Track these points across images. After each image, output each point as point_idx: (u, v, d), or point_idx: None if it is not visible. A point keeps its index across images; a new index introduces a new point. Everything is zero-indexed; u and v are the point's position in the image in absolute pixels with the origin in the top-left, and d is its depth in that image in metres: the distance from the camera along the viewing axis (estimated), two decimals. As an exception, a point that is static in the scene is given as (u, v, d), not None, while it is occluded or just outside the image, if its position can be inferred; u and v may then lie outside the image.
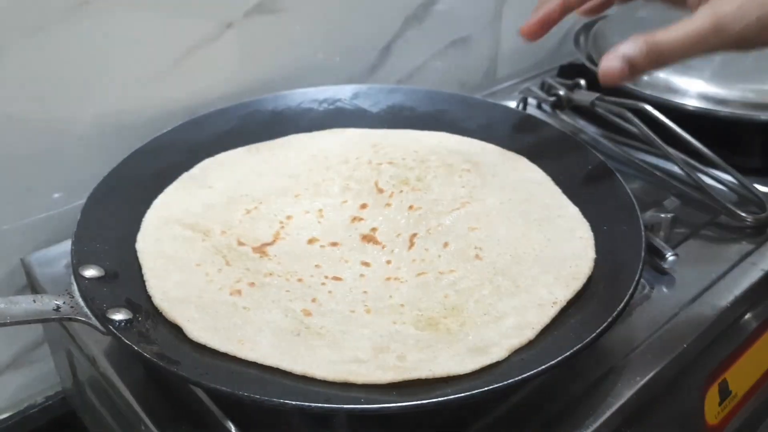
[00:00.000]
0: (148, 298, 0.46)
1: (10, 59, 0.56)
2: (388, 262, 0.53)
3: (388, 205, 0.58)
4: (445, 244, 0.53)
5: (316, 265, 0.52)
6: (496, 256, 0.51)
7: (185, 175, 0.59)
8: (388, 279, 0.51)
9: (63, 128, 0.61)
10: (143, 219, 0.53)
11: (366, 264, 0.52)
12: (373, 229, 0.56)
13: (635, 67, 0.46)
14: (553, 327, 0.45)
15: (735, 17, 0.43)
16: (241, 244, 0.53)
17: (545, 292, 0.47)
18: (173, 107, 0.67)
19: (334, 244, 0.54)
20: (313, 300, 0.48)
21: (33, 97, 0.58)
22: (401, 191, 0.58)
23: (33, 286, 0.60)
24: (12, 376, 0.66)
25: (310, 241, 0.54)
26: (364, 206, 0.58)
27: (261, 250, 0.52)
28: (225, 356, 0.42)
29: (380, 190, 0.59)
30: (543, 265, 0.50)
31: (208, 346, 0.42)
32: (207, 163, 0.61)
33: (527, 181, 0.60)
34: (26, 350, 0.66)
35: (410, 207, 0.57)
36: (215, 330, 0.43)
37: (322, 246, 0.54)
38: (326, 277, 0.50)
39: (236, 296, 0.47)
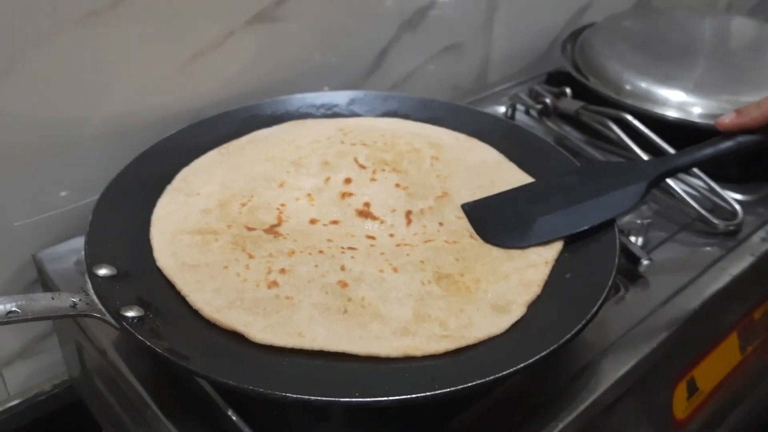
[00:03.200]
0: (159, 296, 0.49)
1: (23, 65, 0.58)
2: (391, 235, 0.57)
3: (374, 180, 0.61)
4: (440, 224, 0.58)
5: (328, 239, 0.55)
6: None
7: (169, 188, 0.60)
8: (398, 245, 0.55)
9: (72, 130, 0.64)
10: (150, 236, 0.54)
11: (371, 237, 0.56)
12: (366, 204, 0.59)
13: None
14: (532, 326, 0.48)
15: None
16: (250, 229, 0.55)
17: (534, 255, 0.54)
18: (177, 111, 0.70)
19: (335, 222, 0.57)
20: (342, 268, 0.52)
21: (44, 101, 0.61)
22: (383, 170, 0.62)
23: (44, 282, 0.63)
24: (21, 365, 0.69)
25: (312, 222, 0.57)
26: (348, 181, 0.61)
27: (272, 231, 0.55)
28: (229, 349, 0.46)
29: (362, 166, 0.62)
30: None
31: (275, 345, 0.45)
32: (185, 173, 0.62)
33: (487, 162, 0.66)
34: (35, 341, 0.69)
35: (397, 185, 0.60)
36: (273, 328, 0.46)
37: (324, 225, 0.57)
38: (342, 248, 0.54)
39: (275, 288, 0.50)
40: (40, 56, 0.59)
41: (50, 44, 0.59)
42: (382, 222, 0.58)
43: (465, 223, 0.58)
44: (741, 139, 0.57)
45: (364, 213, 0.58)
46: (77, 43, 0.61)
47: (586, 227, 0.55)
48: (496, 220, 0.58)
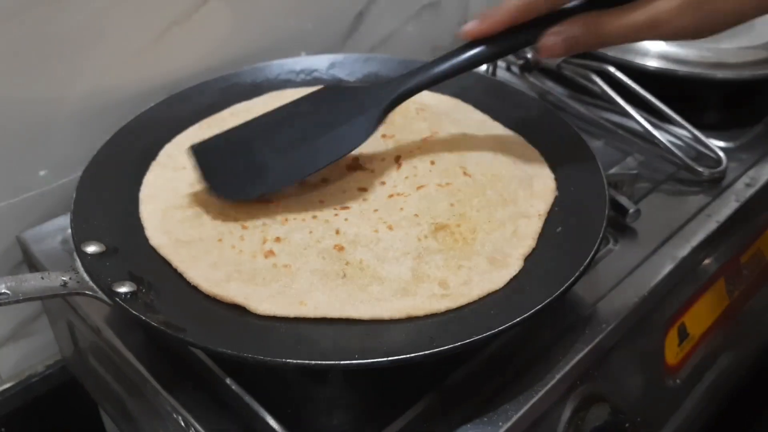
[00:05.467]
0: (151, 270, 0.49)
1: (-6, 42, 0.57)
2: (383, 183, 0.56)
3: None
4: (432, 162, 0.57)
5: (320, 201, 0.54)
6: (480, 175, 0.57)
7: (154, 165, 0.59)
8: (391, 196, 0.55)
9: (47, 108, 0.62)
10: (140, 213, 0.54)
11: (363, 189, 0.56)
12: (355, 159, 0.58)
13: (576, 47, 0.49)
14: (528, 280, 0.49)
15: (670, 16, 0.45)
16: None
17: (527, 205, 0.54)
18: (154, 84, 0.68)
19: (324, 180, 0.57)
20: (337, 232, 0.51)
21: (15, 80, 0.59)
22: None
23: (30, 262, 0.62)
24: (12, 348, 0.69)
25: (301, 184, 0.57)
26: None
27: (262, 199, 0.54)
28: (224, 319, 0.46)
29: None
30: (517, 182, 0.56)
31: (278, 315, 0.45)
32: (169, 148, 0.61)
33: (470, 118, 0.65)
34: (25, 323, 0.69)
35: (383, 136, 0.60)
36: (273, 298, 0.46)
37: (314, 185, 0.57)
38: (335, 209, 0.54)
39: (271, 257, 0.49)
40: (9, 34, 0.57)
41: (19, 21, 0.57)
42: (372, 171, 0.57)
43: (458, 157, 0.58)
44: (478, 51, 0.51)
45: (353, 166, 0.58)
46: (47, 18, 0.59)
47: (320, 168, 0.53)
48: (225, 168, 0.53)
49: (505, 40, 0.51)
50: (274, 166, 0.53)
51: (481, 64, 0.53)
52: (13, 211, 0.63)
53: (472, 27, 0.51)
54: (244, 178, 0.53)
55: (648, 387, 0.60)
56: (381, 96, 0.54)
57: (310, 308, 0.46)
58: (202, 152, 0.54)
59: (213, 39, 0.71)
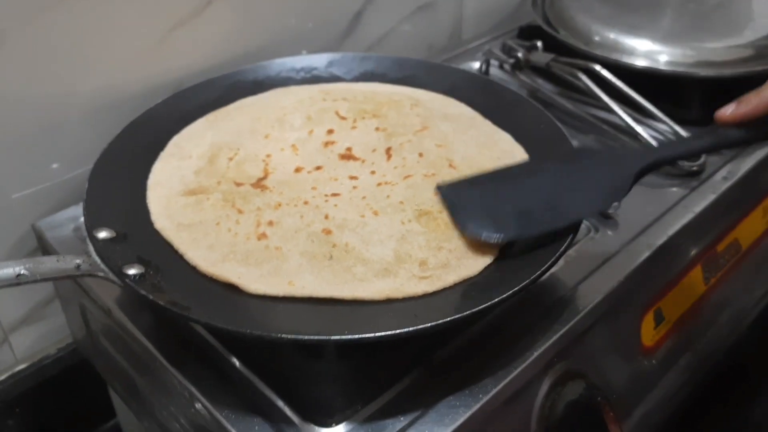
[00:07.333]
0: (158, 254, 0.52)
1: (7, 44, 0.60)
2: (373, 172, 0.60)
3: (354, 128, 0.65)
4: (420, 155, 0.61)
5: (312, 188, 0.58)
6: (466, 168, 0.60)
7: (163, 154, 0.63)
8: (380, 184, 0.59)
9: (59, 105, 0.66)
10: (146, 200, 0.57)
11: (354, 177, 0.59)
12: (348, 149, 0.62)
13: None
14: (504, 267, 0.52)
15: None
16: (239, 184, 0.58)
17: None
18: (161, 81, 0.72)
19: (318, 168, 0.61)
20: (326, 217, 0.55)
21: (29, 78, 0.63)
22: (363, 118, 0.66)
23: (45, 249, 0.66)
24: (26, 331, 0.73)
25: (297, 170, 0.60)
26: (330, 131, 0.64)
27: (259, 185, 0.58)
28: (226, 298, 0.49)
29: (342, 118, 0.66)
30: None
31: (268, 294, 0.49)
32: (176, 139, 0.65)
33: (463, 114, 0.69)
34: (38, 307, 0.73)
35: (377, 128, 0.64)
36: (264, 278, 0.50)
37: (308, 172, 0.60)
38: (326, 195, 0.57)
39: (264, 240, 0.53)
40: (24, 35, 0.61)
41: (33, 22, 0.61)
42: (363, 161, 0.61)
43: (445, 151, 0.62)
44: (732, 134, 0.52)
45: (346, 156, 0.62)
46: (59, 19, 0.62)
47: (566, 224, 0.52)
48: (474, 210, 0.55)
49: (759, 127, 0.51)
50: (522, 216, 0.53)
51: (733, 146, 0.55)
52: (27, 201, 0.67)
53: (728, 112, 0.52)
54: (496, 224, 0.53)
55: (624, 367, 0.63)
56: (635, 161, 0.53)
57: (297, 288, 0.49)
58: (451, 193, 0.56)
59: (216, 39, 0.75)
